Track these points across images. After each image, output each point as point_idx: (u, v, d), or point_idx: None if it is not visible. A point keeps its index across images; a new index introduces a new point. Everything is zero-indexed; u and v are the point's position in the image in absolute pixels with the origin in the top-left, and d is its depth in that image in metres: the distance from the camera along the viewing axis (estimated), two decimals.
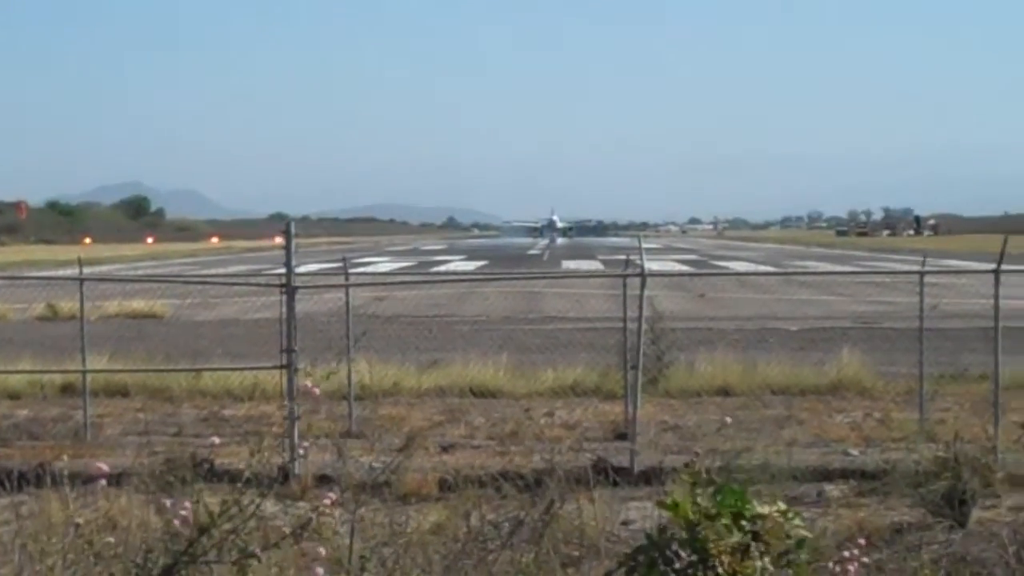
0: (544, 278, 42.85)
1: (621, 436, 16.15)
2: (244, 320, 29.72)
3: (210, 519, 5.39)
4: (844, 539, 7.29)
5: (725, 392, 19.79)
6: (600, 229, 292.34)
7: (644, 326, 15.45)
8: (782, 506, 5.23)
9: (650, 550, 5.13)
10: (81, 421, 17.07)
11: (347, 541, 6.87)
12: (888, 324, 27.55)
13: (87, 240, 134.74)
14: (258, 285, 23.71)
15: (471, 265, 67.93)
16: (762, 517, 5.15)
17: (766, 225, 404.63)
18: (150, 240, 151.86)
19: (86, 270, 18.68)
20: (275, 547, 5.63)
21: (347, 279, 20.06)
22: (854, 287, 41.48)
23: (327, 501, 5.84)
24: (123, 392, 20.03)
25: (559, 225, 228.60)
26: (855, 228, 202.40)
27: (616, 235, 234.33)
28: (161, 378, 20.21)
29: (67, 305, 29.64)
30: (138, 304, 32.15)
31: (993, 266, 15.06)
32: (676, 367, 20.45)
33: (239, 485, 5.55)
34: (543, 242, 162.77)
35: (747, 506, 5.13)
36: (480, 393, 19.67)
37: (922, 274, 17.52)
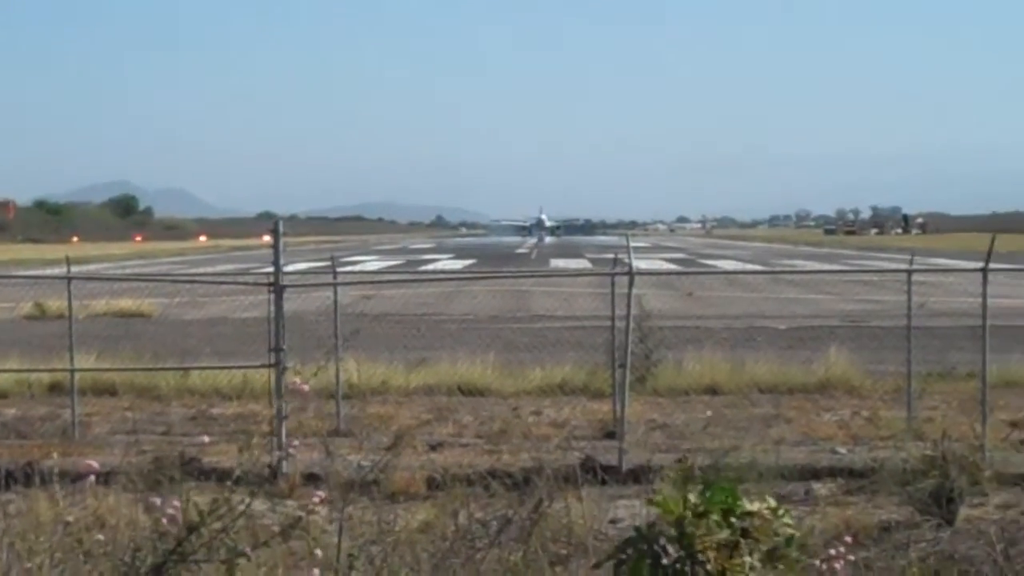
0: (532, 277, 42.78)
1: (609, 435, 16.15)
2: (232, 319, 29.69)
3: (199, 518, 5.38)
4: (832, 537, 7.29)
5: (713, 391, 19.79)
6: (588, 228, 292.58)
7: (632, 325, 15.45)
8: (772, 503, 5.23)
9: (638, 542, 5.12)
10: (69, 420, 17.01)
11: (335, 539, 6.86)
12: (876, 322, 27.57)
13: (75, 239, 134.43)
14: (246, 284, 23.64)
15: (459, 264, 67.85)
16: (751, 514, 5.15)
17: (754, 224, 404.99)
18: (138, 239, 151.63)
19: (74, 269, 18.63)
20: (264, 546, 5.62)
21: (335, 278, 20.04)
22: (842, 286, 41.60)
23: (315, 500, 5.84)
24: (111, 391, 19.96)
25: (547, 224, 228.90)
26: (843, 227, 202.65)
27: (604, 234, 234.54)
28: (149, 377, 20.16)
29: (55, 304, 29.57)
30: (126, 303, 32.01)
31: (981, 264, 15.11)
32: (664, 366, 20.47)
33: (228, 484, 5.54)
34: (531, 241, 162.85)
35: (737, 503, 5.13)
36: (468, 392, 19.66)
37: (910, 272, 17.59)
